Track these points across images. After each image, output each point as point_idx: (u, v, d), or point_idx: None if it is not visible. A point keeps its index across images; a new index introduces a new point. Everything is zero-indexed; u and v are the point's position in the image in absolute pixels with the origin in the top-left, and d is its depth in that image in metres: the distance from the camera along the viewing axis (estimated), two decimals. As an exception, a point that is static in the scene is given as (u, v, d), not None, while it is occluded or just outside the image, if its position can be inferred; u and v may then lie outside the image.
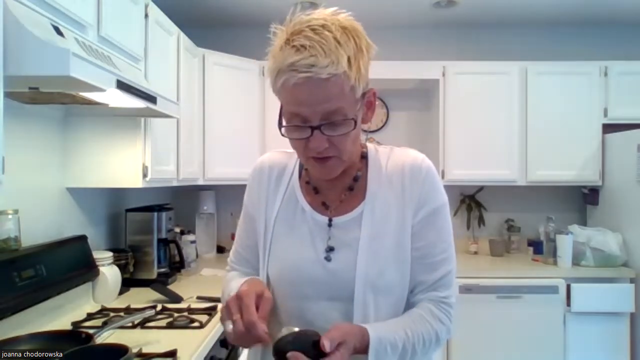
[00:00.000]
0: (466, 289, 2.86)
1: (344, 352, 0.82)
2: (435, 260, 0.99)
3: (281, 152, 1.13)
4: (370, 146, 1.08)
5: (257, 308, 0.87)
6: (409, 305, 1.00)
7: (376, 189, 1.01)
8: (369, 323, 0.92)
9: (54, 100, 1.64)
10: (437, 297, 0.98)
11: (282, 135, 0.94)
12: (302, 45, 0.85)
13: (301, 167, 1.08)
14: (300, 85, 0.85)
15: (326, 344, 0.81)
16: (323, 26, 0.87)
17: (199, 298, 2.17)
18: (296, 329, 0.84)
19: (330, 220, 1.01)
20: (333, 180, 1.01)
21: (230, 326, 0.86)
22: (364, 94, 0.94)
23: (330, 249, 0.99)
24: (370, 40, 0.93)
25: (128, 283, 2.30)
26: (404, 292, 0.99)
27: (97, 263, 2.05)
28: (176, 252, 2.60)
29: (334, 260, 0.98)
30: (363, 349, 0.87)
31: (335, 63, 0.84)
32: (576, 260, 3.02)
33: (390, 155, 1.05)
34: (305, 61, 0.84)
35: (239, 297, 0.88)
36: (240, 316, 0.85)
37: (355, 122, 0.91)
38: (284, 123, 0.94)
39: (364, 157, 1.06)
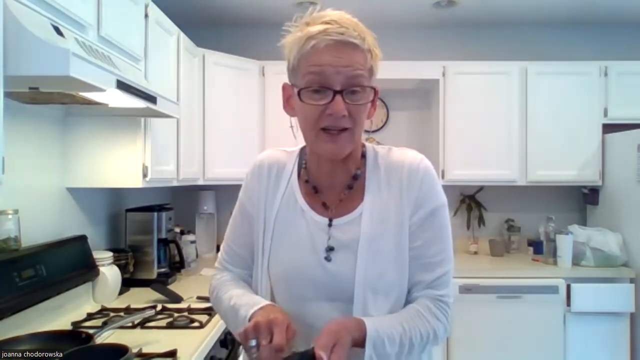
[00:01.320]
0: (466, 289, 2.86)
1: (340, 353, 0.82)
2: (432, 261, 0.99)
3: (280, 150, 1.12)
4: (369, 146, 1.07)
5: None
6: (406, 305, 1.00)
7: (375, 190, 1.01)
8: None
9: (54, 100, 1.64)
10: (434, 295, 0.98)
11: (301, 101, 0.94)
12: (332, 20, 0.92)
13: (300, 166, 1.08)
14: (331, 46, 0.90)
15: (322, 355, 0.80)
16: (340, 17, 0.93)
17: (199, 298, 2.17)
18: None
19: (330, 220, 1.01)
20: (333, 178, 1.01)
21: (253, 345, 0.85)
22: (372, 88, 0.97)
23: (330, 249, 0.99)
24: None
25: (128, 283, 2.30)
26: (403, 293, 0.99)
27: (97, 263, 2.05)
28: (176, 252, 2.60)
29: (334, 261, 0.98)
30: (361, 341, 0.87)
31: (363, 39, 0.92)
32: (576, 260, 3.02)
33: (388, 156, 1.04)
34: (337, 29, 0.90)
35: (271, 322, 0.86)
36: (269, 340, 0.84)
37: (375, 93, 0.96)
38: (295, 95, 0.96)
39: (363, 156, 1.05)
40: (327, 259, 0.98)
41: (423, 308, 0.97)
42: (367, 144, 1.08)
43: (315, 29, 0.91)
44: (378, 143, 3.30)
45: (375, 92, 0.97)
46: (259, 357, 0.85)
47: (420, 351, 0.97)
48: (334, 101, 0.91)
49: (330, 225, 1.00)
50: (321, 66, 0.91)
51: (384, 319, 0.93)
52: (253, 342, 0.85)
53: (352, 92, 0.92)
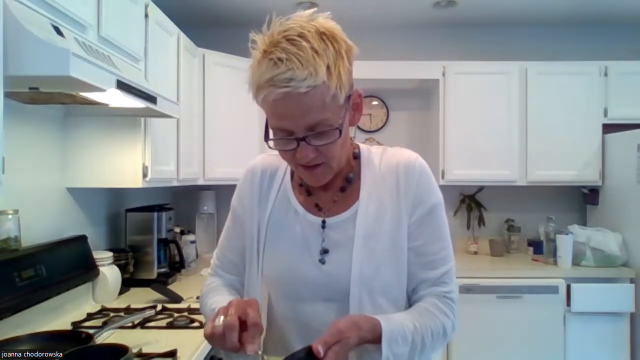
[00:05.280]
0: (466, 289, 2.86)
1: (338, 351, 0.82)
2: (434, 258, 0.99)
3: (273, 155, 1.11)
4: (363, 146, 1.07)
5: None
6: (411, 305, 0.99)
7: (370, 189, 1.00)
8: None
9: (54, 100, 1.64)
10: (439, 292, 0.98)
11: (270, 147, 0.94)
12: (279, 59, 0.83)
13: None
14: (280, 101, 0.84)
15: (319, 349, 0.80)
16: (300, 35, 0.85)
17: (199, 298, 2.17)
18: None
19: (323, 221, 1.00)
20: (325, 184, 1.00)
21: (210, 323, 0.85)
22: (348, 97, 0.92)
23: (325, 251, 0.98)
24: (351, 42, 0.91)
25: (128, 283, 2.30)
26: (402, 293, 0.98)
27: (97, 263, 2.06)
28: (176, 252, 2.61)
29: (329, 262, 0.98)
30: (375, 340, 0.87)
31: (314, 75, 0.82)
32: (576, 260, 3.02)
33: (383, 155, 1.04)
34: (283, 75, 0.82)
35: (229, 305, 0.86)
36: (223, 317, 0.84)
37: (341, 131, 0.90)
38: (270, 135, 0.93)
39: (355, 157, 1.05)
40: (322, 261, 0.98)
41: (431, 305, 0.97)
42: (360, 144, 1.07)
43: (263, 77, 0.84)
44: (378, 143, 3.30)
45: (359, 94, 0.95)
46: (218, 331, 0.83)
47: (432, 349, 0.97)
48: (299, 148, 0.89)
49: (323, 226, 1.00)
50: (278, 119, 0.88)
51: (396, 317, 0.93)
52: (220, 320, 0.84)
53: (317, 133, 0.88)
